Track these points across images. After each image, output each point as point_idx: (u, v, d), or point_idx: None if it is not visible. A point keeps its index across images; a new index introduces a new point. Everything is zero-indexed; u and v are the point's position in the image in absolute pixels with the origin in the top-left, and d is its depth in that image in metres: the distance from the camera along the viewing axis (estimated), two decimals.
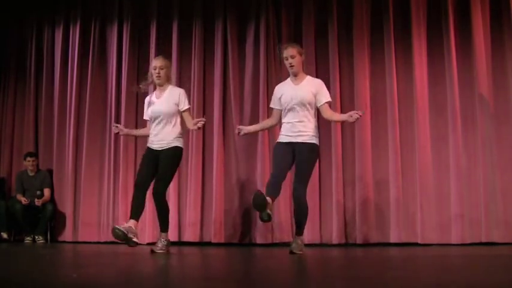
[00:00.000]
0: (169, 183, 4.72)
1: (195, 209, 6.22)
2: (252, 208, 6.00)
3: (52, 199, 6.82)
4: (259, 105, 6.18)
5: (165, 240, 4.68)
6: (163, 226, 4.68)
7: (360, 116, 4.28)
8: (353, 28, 6.10)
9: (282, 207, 5.97)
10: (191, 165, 6.31)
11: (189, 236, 6.21)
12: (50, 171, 6.97)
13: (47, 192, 6.75)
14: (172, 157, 4.62)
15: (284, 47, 4.50)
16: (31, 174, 6.83)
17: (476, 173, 5.61)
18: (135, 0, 6.91)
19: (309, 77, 4.53)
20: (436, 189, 5.68)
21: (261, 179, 6.02)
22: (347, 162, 5.97)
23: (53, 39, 7.30)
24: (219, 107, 6.32)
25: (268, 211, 4.05)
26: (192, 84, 6.47)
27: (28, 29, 7.46)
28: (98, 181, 6.75)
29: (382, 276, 2.60)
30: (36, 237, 6.61)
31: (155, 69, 4.68)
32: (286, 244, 5.90)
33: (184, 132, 4.88)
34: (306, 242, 5.83)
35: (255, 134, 6.03)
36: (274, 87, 6.09)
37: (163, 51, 6.67)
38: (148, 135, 4.81)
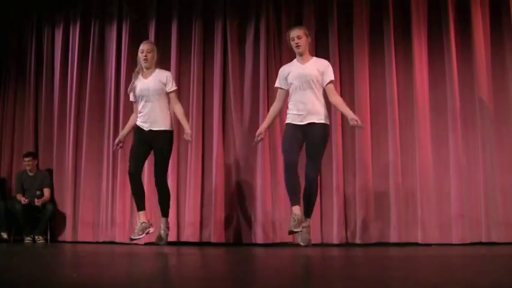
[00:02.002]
0: (167, 166, 4.90)
1: (195, 209, 6.22)
2: (252, 208, 6.06)
3: (52, 199, 6.82)
4: (259, 105, 6.18)
5: (166, 228, 4.84)
6: (165, 211, 4.84)
7: (359, 127, 4.33)
8: (353, 28, 6.10)
9: (282, 207, 5.97)
10: (191, 164, 6.31)
11: (189, 236, 6.21)
12: (50, 171, 6.97)
13: (46, 192, 6.76)
14: (169, 142, 4.82)
15: (290, 29, 4.60)
16: (31, 174, 6.83)
17: (476, 173, 5.61)
18: (135, 0, 6.91)
19: (315, 58, 4.61)
20: (436, 189, 5.68)
21: (261, 179, 6.02)
22: (347, 162, 5.97)
23: (53, 39, 7.30)
24: (218, 106, 6.32)
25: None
26: (191, 84, 6.48)
27: (28, 29, 7.47)
28: (97, 181, 6.75)
29: (382, 276, 2.60)
30: (36, 237, 6.61)
31: (142, 53, 4.85)
32: (287, 244, 5.91)
33: (172, 115, 5.02)
34: None
35: (255, 133, 6.05)
36: (274, 87, 6.14)
37: (163, 51, 6.68)
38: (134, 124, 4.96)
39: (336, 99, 4.52)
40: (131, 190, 4.91)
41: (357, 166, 5.89)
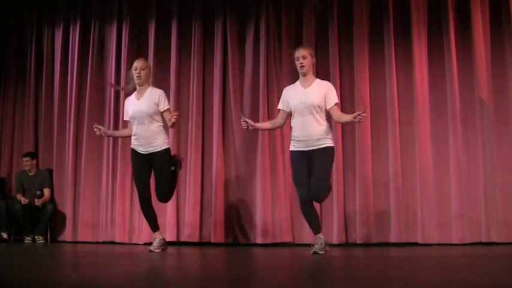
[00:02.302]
0: (173, 187, 4.92)
1: (194, 209, 6.22)
2: (252, 208, 6.06)
3: (52, 199, 6.82)
4: (259, 105, 6.18)
5: (160, 238, 4.81)
6: (156, 227, 4.85)
7: (363, 116, 4.27)
8: (353, 28, 6.10)
9: (282, 207, 5.97)
10: (190, 165, 6.31)
11: (188, 236, 6.21)
12: (50, 171, 6.97)
13: (46, 192, 6.75)
14: (167, 161, 4.78)
15: (296, 48, 4.53)
16: (31, 174, 6.83)
17: (476, 173, 5.61)
18: (135, 0, 6.91)
19: (318, 80, 4.51)
20: (436, 189, 5.68)
21: (261, 179, 6.02)
22: (347, 162, 5.97)
23: (53, 39, 7.29)
24: (218, 106, 6.31)
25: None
26: (191, 83, 6.47)
27: (28, 29, 7.46)
28: (97, 181, 6.74)
29: (382, 276, 2.59)
30: (36, 237, 6.61)
31: (136, 70, 4.80)
32: (286, 244, 5.91)
33: (167, 131, 5.00)
34: (307, 242, 5.84)
35: (255, 133, 6.06)
36: (274, 87, 6.15)
37: (163, 51, 6.69)
38: (130, 135, 4.91)
39: (340, 119, 4.44)
40: (145, 213, 4.88)
41: (357, 166, 5.89)
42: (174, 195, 6.26)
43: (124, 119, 5.02)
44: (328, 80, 6.01)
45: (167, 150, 4.81)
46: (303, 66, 4.41)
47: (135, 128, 4.79)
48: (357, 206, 5.82)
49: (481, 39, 5.72)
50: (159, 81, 6.58)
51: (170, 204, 6.27)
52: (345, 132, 6.00)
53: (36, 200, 6.55)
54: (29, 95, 7.30)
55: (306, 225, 5.89)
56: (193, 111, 6.40)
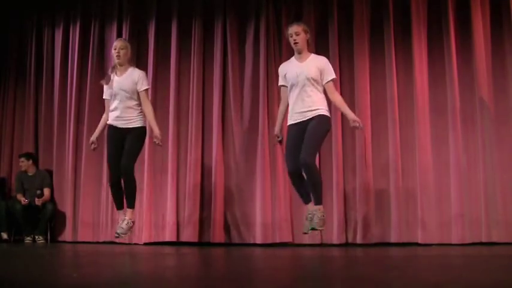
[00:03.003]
0: (136, 158, 4.92)
1: (194, 209, 6.22)
2: (252, 208, 6.06)
3: (52, 199, 6.82)
4: (259, 104, 6.18)
5: (130, 220, 4.86)
6: (131, 202, 4.85)
7: (359, 128, 4.32)
8: (353, 28, 6.10)
9: (282, 207, 5.97)
10: (190, 164, 6.31)
11: (188, 236, 6.21)
12: (50, 171, 6.97)
13: (46, 192, 6.75)
14: (138, 136, 4.87)
15: (289, 25, 4.53)
16: (30, 174, 6.83)
17: (476, 173, 5.61)
18: (135, 0, 6.91)
19: (313, 55, 4.52)
20: (436, 189, 5.68)
21: (261, 179, 6.02)
22: (347, 162, 5.97)
23: (53, 39, 7.30)
24: (218, 106, 6.32)
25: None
26: (191, 83, 6.48)
27: (28, 29, 7.46)
28: (97, 181, 6.74)
29: (382, 276, 2.59)
30: (36, 237, 6.61)
31: (115, 49, 4.91)
32: (287, 244, 5.91)
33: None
34: (307, 242, 5.85)
35: (255, 133, 6.08)
36: (274, 87, 6.14)
37: (163, 51, 6.69)
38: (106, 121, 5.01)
39: (336, 98, 4.45)
40: (112, 192, 4.98)
41: (357, 166, 5.89)
42: (174, 195, 6.29)
43: (104, 97, 5.07)
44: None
45: (143, 128, 4.89)
46: (297, 42, 4.40)
47: (114, 104, 4.87)
48: (357, 206, 5.83)
49: (481, 39, 5.72)
50: (159, 81, 6.64)
51: (170, 204, 6.28)
52: (345, 132, 6.00)
53: (36, 199, 6.55)
54: (29, 95, 7.30)
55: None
56: (193, 111, 6.40)
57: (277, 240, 5.97)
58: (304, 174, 4.34)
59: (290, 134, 4.42)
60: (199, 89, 6.44)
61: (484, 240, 5.45)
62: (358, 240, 5.76)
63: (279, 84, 4.66)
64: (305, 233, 4.38)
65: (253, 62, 6.32)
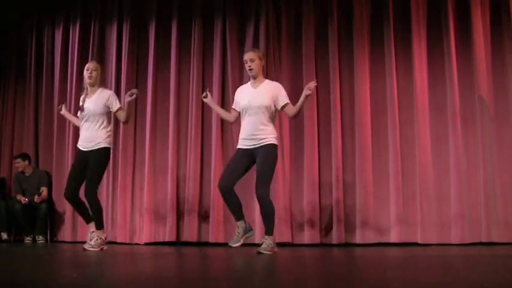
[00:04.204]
0: (98, 183, 5.00)
1: (193, 209, 6.22)
2: (251, 208, 6.05)
3: (49, 198, 6.83)
4: None
5: (99, 237, 4.85)
6: (97, 223, 4.89)
7: (313, 85, 4.34)
8: (353, 28, 6.10)
9: (281, 207, 5.97)
10: (189, 164, 6.31)
11: (188, 236, 6.21)
12: (50, 172, 6.97)
13: (44, 191, 6.78)
14: (100, 158, 4.90)
15: (245, 52, 4.72)
16: (27, 174, 6.85)
17: (476, 173, 5.61)
18: (135, 0, 6.91)
19: (267, 81, 4.63)
20: (436, 189, 5.68)
21: None
22: (347, 162, 5.97)
23: (53, 39, 7.30)
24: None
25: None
26: (191, 83, 6.48)
27: (28, 29, 7.46)
28: None
29: (382, 276, 2.60)
30: (36, 237, 6.62)
31: (87, 70, 5.04)
32: (286, 244, 5.90)
33: (112, 132, 5.16)
34: (306, 242, 5.85)
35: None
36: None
37: (163, 50, 6.70)
38: (77, 126, 5.22)
39: (295, 110, 4.50)
40: (72, 205, 5.11)
41: (356, 166, 5.89)
42: (174, 195, 6.29)
43: (77, 115, 5.19)
44: (328, 79, 6.06)
45: (106, 149, 4.95)
46: (251, 69, 4.55)
47: (82, 125, 5.01)
48: (356, 206, 5.82)
49: (481, 39, 5.72)
50: (159, 80, 6.64)
51: (170, 204, 6.28)
52: (345, 132, 6.00)
53: (36, 197, 6.59)
54: (29, 95, 7.30)
55: (306, 226, 5.93)
56: (193, 111, 6.40)
57: (277, 240, 5.95)
58: (258, 203, 4.48)
59: (236, 156, 4.54)
60: (199, 89, 6.44)
61: (483, 240, 5.45)
62: (358, 240, 5.76)
63: (232, 106, 4.78)
64: (230, 246, 4.47)
65: None
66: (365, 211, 5.78)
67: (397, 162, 5.79)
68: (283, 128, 6.10)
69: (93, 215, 4.89)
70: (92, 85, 5.03)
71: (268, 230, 4.37)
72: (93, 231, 4.89)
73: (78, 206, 4.98)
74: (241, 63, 6.40)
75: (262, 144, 4.39)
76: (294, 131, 6.14)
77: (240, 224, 4.46)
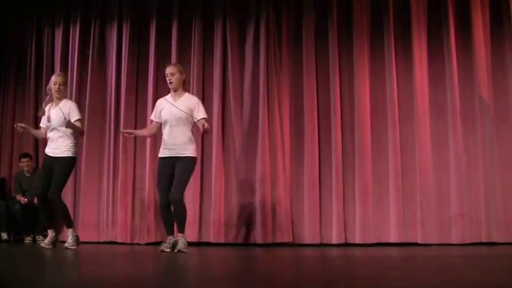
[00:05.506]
0: (62, 188, 5.22)
1: (194, 209, 6.21)
2: (251, 208, 6.06)
3: None
4: (259, 104, 6.17)
5: (74, 235, 5.17)
6: (67, 222, 5.26)
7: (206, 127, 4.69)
8: (353, 28, 6.10)
9: (282, 207, 5.97)
10: None
11: (188, 236, 6.18)
12: None
13: None
14: (65, 166, 5.15)
15: (167, 66, 5.01)
16: (28, 174, 6.84)
17: (476, 173, 5.61)
18: (135, 0, 6.90)
19: (187, 94, 4.94)
20: (436, 189, 5.68)
21: (260, 179, 6.02)
22: (347, 162, 5.96)
23: (53, 39, 7.29)
24: (218, 106, 6.31)
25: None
26: (191, 83, 6.47)
27: (28, 29, 7.45)
28: (97, 181, 6.73)
29: (382, 276, 2.60)
30: (36, 237, 6.61)
31: (55, 84, 5.24)
32: (286, 244, 5.91)
33: (78, 141, 5.37)
34: (307, 242, 5.85)
35: (255, 133, 6.07)
36: (274, 87, 6.15)
37: (163, 50, 6.69)
38: (43, 138, 5.41)
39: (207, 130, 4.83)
40: (41, 211, 5.39)
41: (356, 166, 5.89)
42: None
43: (40, 125, 5.45)
44: (328, 79, 6.07)
45: (70, 159, 5.19)
46: (171, 82, 4.85)
47: (49, 134, 5.24)
48: (356, 206, 5.82)
49: (481, 39, 5.72)
50: (159, 80, 6.63)
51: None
52: (345, 132, 6.00)
53: (36, 197, 6.57)
54: (29, 94, 7.29)
55: (306, 226, 5.93)
56: None
57: (277, 241, 5.97)
58: (172, 207, 4.73)
59: (161, 167, 4.82)
60: (199, 89, 6.43)
61: (484, 240, 5.45)
62: (358, 240, 5.75)
63: (151, 118, 5.07)
64: (162, 251, 4.73)
65: (253, 62, 6.31)
66: (365, 211, 5.78)
67: (396, 162, 5.79)
68: (283, 128, 6.10)
69: (61, 214, 5.22)
70: (59, 98, 5.25)
71: (182, 228, 4.72)
72: (54, 235, 5.22)
73: (47, 207, 5.21)
74: (241, 63, 6.41)
75: (182, 155, 4.72)
76: (294, 131, 6.15)
77: (170, 238, 4.77)
